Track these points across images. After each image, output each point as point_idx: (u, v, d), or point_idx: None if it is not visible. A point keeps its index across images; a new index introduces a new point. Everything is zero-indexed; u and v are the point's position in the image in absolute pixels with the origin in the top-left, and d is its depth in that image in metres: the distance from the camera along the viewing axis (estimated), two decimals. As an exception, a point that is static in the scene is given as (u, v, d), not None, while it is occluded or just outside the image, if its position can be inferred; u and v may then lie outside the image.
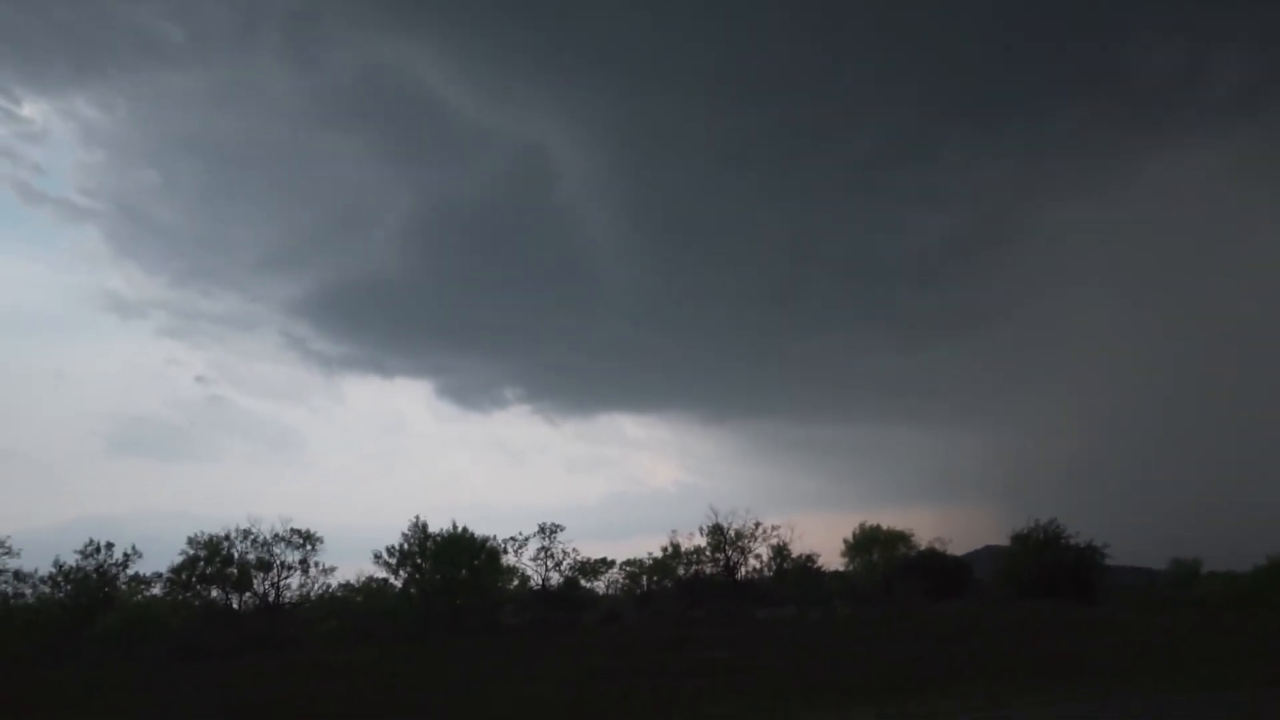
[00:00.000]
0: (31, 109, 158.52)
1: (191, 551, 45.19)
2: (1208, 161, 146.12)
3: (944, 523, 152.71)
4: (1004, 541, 59.37)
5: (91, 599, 44.53)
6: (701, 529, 53.55)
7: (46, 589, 44.54)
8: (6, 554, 43.56)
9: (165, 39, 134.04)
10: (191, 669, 33.99)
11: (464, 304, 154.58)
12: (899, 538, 57.42)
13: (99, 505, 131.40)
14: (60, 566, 44.71)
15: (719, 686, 24.37)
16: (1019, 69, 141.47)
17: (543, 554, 50.14)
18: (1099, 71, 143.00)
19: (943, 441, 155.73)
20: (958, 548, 59.99)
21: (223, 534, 45.95)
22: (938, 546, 57.43)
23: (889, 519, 59.34)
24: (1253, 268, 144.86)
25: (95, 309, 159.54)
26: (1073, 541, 54.63)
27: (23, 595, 44.18)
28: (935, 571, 54.44)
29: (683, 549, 53.79)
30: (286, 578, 46.79)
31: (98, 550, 45.56)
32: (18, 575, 44.06)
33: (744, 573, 53.66)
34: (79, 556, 45.15)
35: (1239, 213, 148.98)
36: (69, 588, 44.69)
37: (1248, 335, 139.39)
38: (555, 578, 50.30)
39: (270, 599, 46.58)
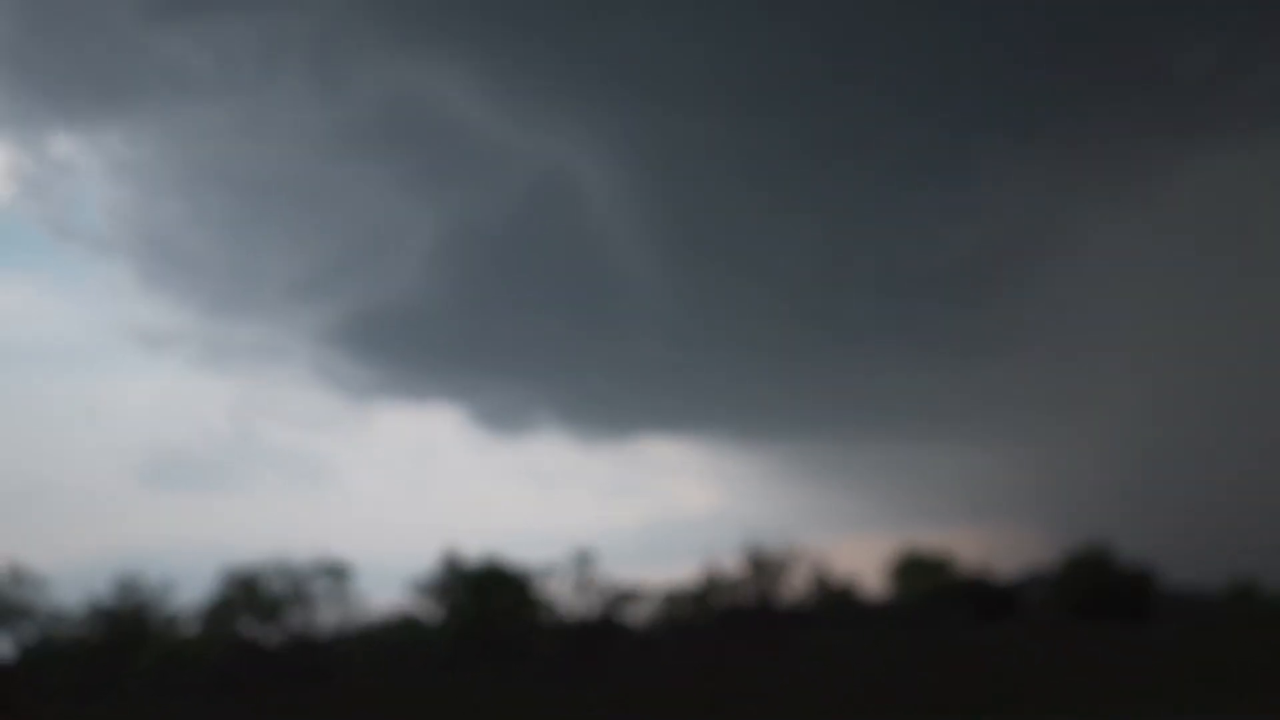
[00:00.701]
0: (61, 145, 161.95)
1: (225, 587, 45.09)
2: (1248, 165, 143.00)
3: (987, 542, 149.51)
4: (1051, 562, 57.83)
5: (126, 636, 44.49)
6: (736, 556, 52.64)
7: (83, 629, 44.58)
8: (42, 590, 43.74)
9: (193, 71, 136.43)
10: (226, 703, 33.81)
11: (493, 327, 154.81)
12: (940, 561, 56.03)
13: (132, 537, 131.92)
14: (95, 606, 44.73)
15: (757, 713, 23.71)
16: (1051, 78, 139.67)
17: (576, 582, 49.51)
18: (1133, 78, 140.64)
19: (985, 459, 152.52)
20: (1003, 569, 58.41)
21: (255, 568, 45.81)
22: (982, 569, 55.96)
23: (929, 539, 57.62)
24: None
25: (126, 341, 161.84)
26: (1124, 562, 53.04)
27: (59, 634, 44.23)
28: (980, 596, 52.99)
29: (718, 577, 52.87)
30: (320, 611, 46.51)
31: (132, 588, 45.54)
32: (54, 616, 44.15)
33: (781, 600, 52.60)
34: (114, 592, 45.16)
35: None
36: (104, 627, 44.69)
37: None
38: (589, 606, 49.65)
39: (304, 631, 46.35)
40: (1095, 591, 51.47)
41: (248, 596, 45.37)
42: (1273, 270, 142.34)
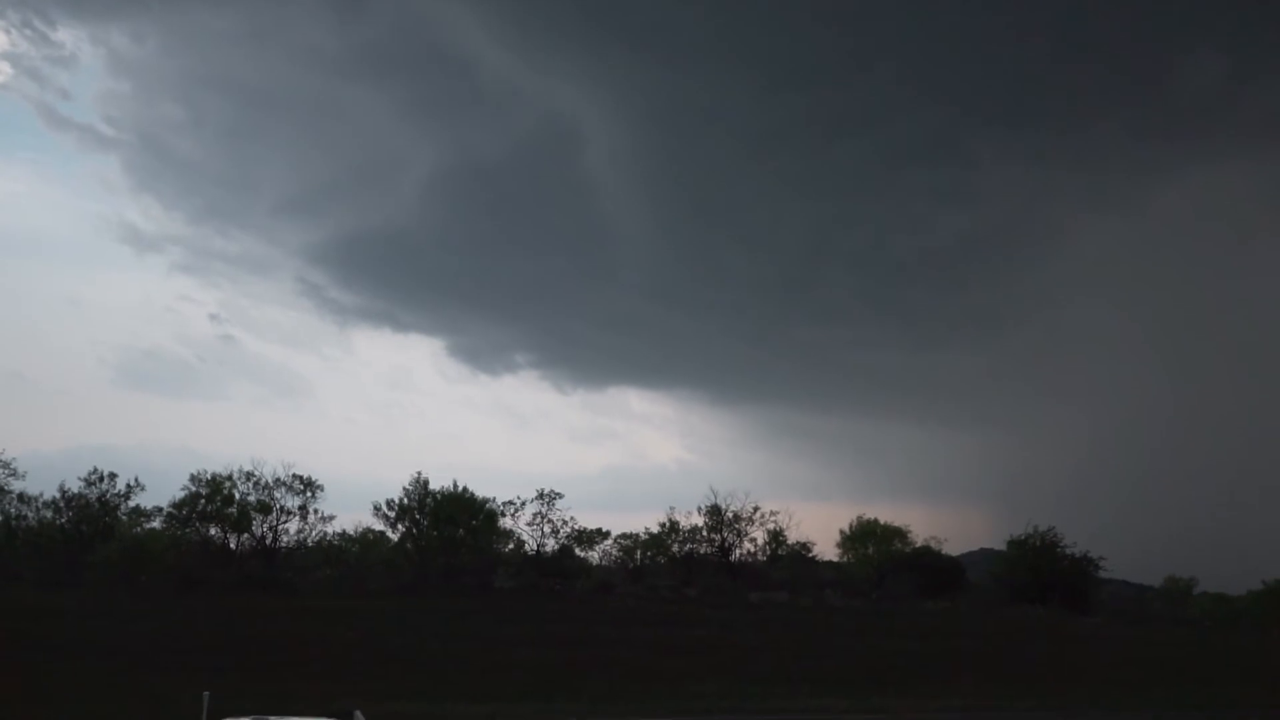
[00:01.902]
0: (64, 34, 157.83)
1: (193, 488, 45.54)
2: (1231, 182, 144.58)
3: (940, 521, 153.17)
4: (999, 545, 59.43)
5: (93, 527, 44.97)
6: (700, 508, 53.71)
7: (49, 514, 45.03)
8: (12, 475, 44.06)
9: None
10: (188, 602, 34.42)
11: (480, 265, 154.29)
12: (895, 533, 57.44)
13: (104, 434, 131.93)
14: (64, 492, 45.21)
15: (703, 665, 24.61)
16: (1054, 75, 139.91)
17: (540, 520, 50.35)
18: (1136, 83, 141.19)
19: (944, 442, 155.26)
20: (952, 548, 59.97)
21: (225, 473, 46.28)
22: (933, 545, 57.47)
23: (885, 514, 59.18)
24: (1266, 294, 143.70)
25: (111, 239, 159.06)
26: (1069, 551, 54.66)
27: (25, 518, 44.66)
28: (928, 570, 54.49)
29: (680, 526, 53.98)
30: (285, 522, 47.08)
31: (101, 479, 45.96)
32: (21, 498, 44.53)
33: (738, 555, 53.82)
34: (83, 484, 45.62)
35: (1258, 237, 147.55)
36: (71, 514, 45.13)
37: (1258, 360, 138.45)
38: (551, 544, 50.57)
39: (268, 541, 46.93)
40: (1038, 576, 53.05)
41: (214, 500, 45.81)
42: (1244, 285, 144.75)
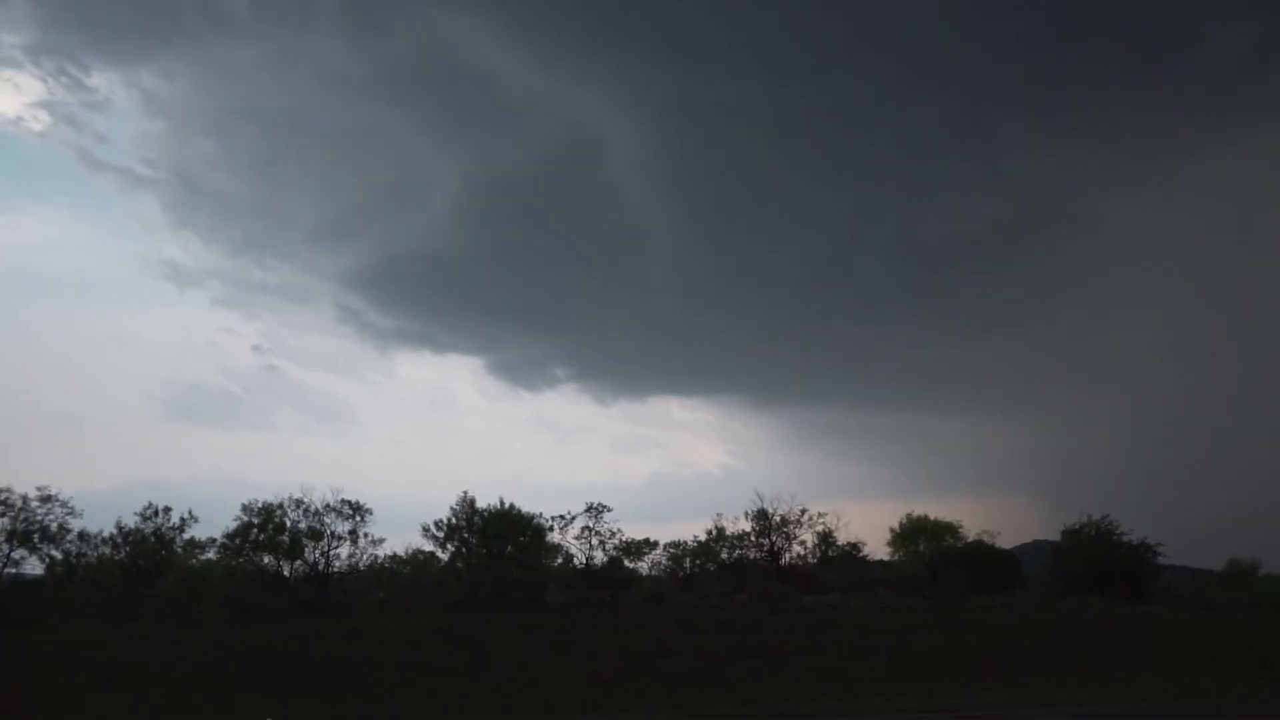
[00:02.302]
0: (96, 78, 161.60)
1: (245, 518, 46.25)
2: (1267, 152, 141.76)
3: (990, 514, 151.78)
4: (1053, 536, 58.66)
5: (150, 561, 45.80)
6: (746, 513, 53.56)
7: (108, 550, 45.90)
8: (70, 514, 44.96)
9: (229, 9, 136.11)
10: (245, 630, 34.86)
11: (514, 280, 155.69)
12: (946, 529, 56.91)
13: (155, 469, 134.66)
14: (121, 528, 46.12)
15: (759, 669, 24.50)
16: (1077, 52, 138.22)
17: (588, 533, 50.47)
18: (1161, 56, 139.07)
19: (989, 432, 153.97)
20: (1005, 541, 59.32)
21: (275, 502, 46.96)
22: (985, 539, 56.85)
23: (935, 509, 58.78)
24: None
25: (153, 277, 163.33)
26: (1125, 539, 53.80)
27: (85, 555, 45.56)
28: (982, 564, 53.86)
29: (727, 533, 53.86)
30: (336, 547, 47.70)
31: (156, 514, 46.88)
32: (81, 536, 45.46)
33: (788, 558, 53.57)
34: (138, 519, 46.54)
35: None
36: (129, 549, 46.01)
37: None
38: (599, 557, 50.67)
39: (320, 567, 47.50)
40: (1095, 566, 52.27)
41: (266, 529, 46.46)
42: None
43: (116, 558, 45.94)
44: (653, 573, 54.14)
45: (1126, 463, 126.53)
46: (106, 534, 46.11)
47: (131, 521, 46.59)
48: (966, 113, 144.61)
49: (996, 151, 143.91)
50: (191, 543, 47.98)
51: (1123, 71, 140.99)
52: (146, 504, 47.06)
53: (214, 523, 48.18)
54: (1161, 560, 54.91)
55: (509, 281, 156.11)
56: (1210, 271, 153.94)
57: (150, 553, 46.21)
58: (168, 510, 47.23)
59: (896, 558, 57.28)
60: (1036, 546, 67.69)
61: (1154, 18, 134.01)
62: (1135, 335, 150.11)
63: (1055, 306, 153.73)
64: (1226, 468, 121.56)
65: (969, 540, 56.57)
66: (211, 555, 47.43)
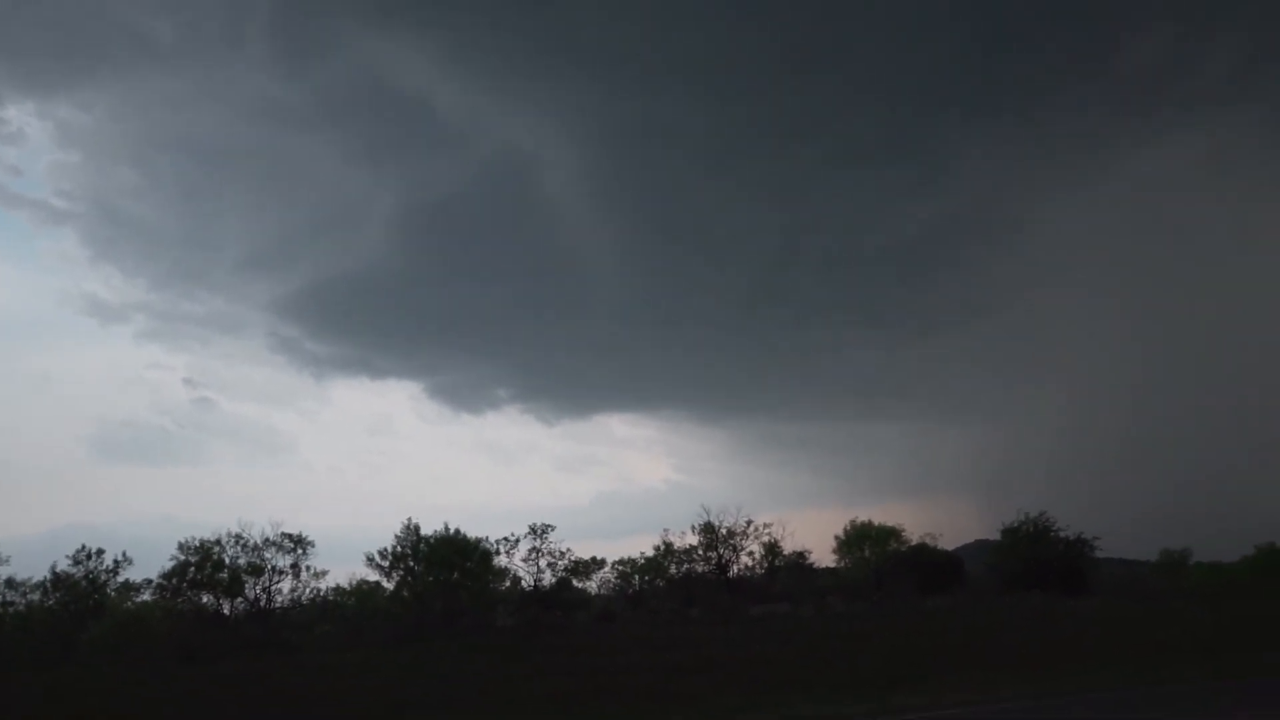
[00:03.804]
0: (12, 110, 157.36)
1: (182, 557, 45.07)
2: (1193, 153, 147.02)
3: (932, 517, 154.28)
4: (994, 535, 59.74)
5: (83, 606, 44.37)
6: (693, 527, 53.70)
7: (37, 597, 44.38)
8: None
9: (154, 38, 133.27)
10: (186, 672, 33.91)
11: (454, 303, 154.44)
12: (890, 534, 57.65)
13: (87, 511, 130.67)
14: (55, 573, 44.61)
15: (717, 681, 24.51)
16: (1006, 60, 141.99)
17: (534, 554, 50.14)
18: (1086, 61, 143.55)
19: (929, 436, 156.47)
20: (947, 542, 60.25)
21: (213, 539, 45.84)
22: (928, 542, 57.70)
23: (878, 514, 59.61)
24: (1240, 260, 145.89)
25: (74, 312, 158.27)
26: (1062, 534, 54.99)
27: (14, 604, 44.00)
28: (926, 567, 54.65)
29: (675, 548, 53.93)
30: (278, 582, 46.70)
31: (89, 557, 45.44)
32: (9, 583, 43.90)
33: (736, 570, 53.78)
34: (70, 563, 45.05)
35: (1225, 204, 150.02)
36: (60, 594, 44.53)
37: (1237, 327, 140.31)
38: (548, 578, 50.36)
39: (262, 603, 46.46)
40: (1034, 562, 53.30)
41: (204, 568, 45.34)
42: (1218, 253, 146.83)
43: (47, 604, 44.43)
44: (602, 591, 54.01)
45: (1060, 459, 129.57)
46: (37, 580, 44.57)
47: (63, 565, 45.12)
48: (900, 122, 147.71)
49: (931, 157, 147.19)
50: (126, 585, 46.60)
51: (1050, 76, 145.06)
52: (79, 547, 45.62)
53: (150, 563, 46.72)
54: (1098, 553, 56.21)
55: (447, 304, 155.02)
56: (1136, 271, 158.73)
57: (83, 597, 44.76)
58: (100, 553, 45.84)
59: (842, 564, 57.86)
60: (979, 546, 68.84)
61: (1078, 24, 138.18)
62: (1066, 336, 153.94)
63: (990, 309, 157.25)
64: (1155, 460, 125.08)
65: (913, 544, 57.37)
66: (147, 597, 46.13)
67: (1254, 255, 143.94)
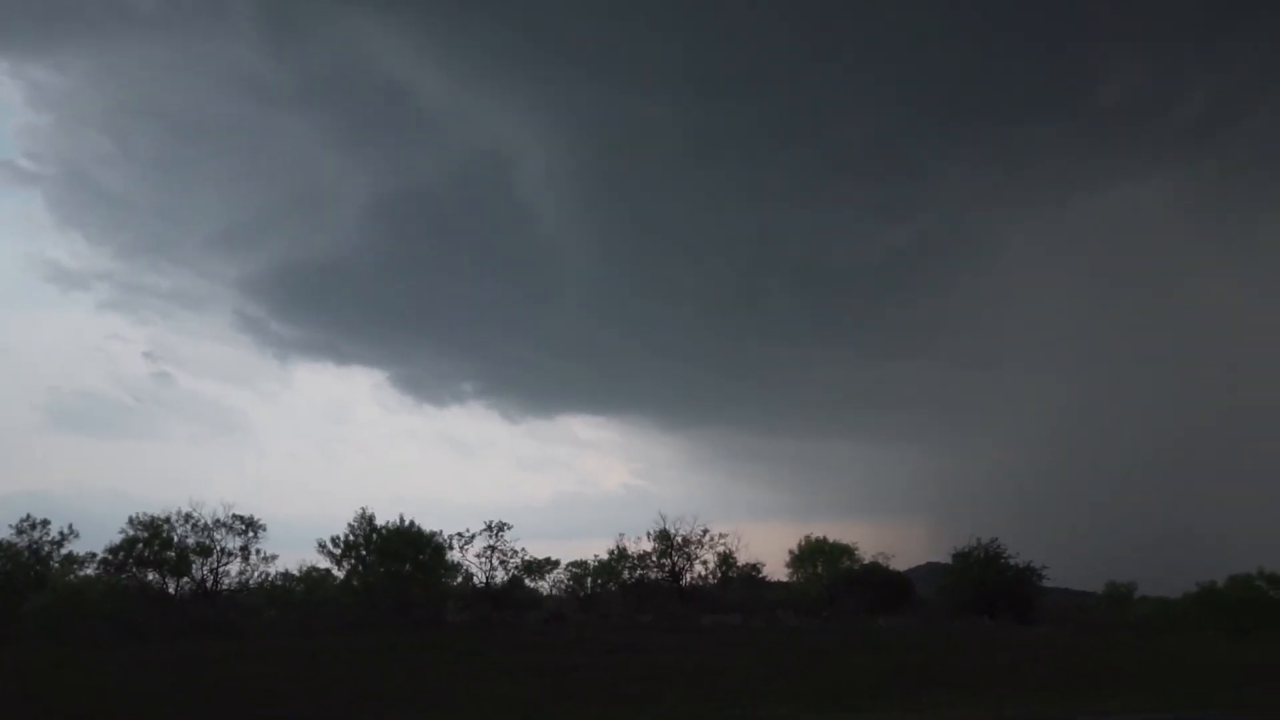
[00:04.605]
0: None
1: (131, 532, 44.29)
2: (1162, 188, 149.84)
3: (885, 537, 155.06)
4: (945, 559, 60.28)
5: (24, 577, 43.46)
6: (649, 533, 53.67)
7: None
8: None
9: (135, 4, 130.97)
10: (128, 651, 33.34)
11: (425, 293, 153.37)
12: (843, 551, 57.97)
13: (35, 480, 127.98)
14: (-7, 544, 43.65)
15: (661, 690, 24.49)
16: (989, 85, 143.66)
17: (489, 551, 49.87)
18: (1066, 93, 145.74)
19: (886, 456, 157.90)
20: (899, 563, 60.71)
21: (163, 516, 45.11)
22: (880, 561, 58.09)
23: (833, 531, 59.68)
24: (1195, 297, 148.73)
25: (35, 278, 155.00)
26: (1012, 561, 55.61)
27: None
28: (878, 586, 55.03)
29: (629, 553, 53.85)
30: (226, 564, 46.04)
31: (33, 527, 44.48)
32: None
33: (689, 579, 53.81)
34: (13, 532, 44.11)
35: (1191, 241, 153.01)
36: (1, 563, 43.57)
37: (1191, 364, 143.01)
38: (500, 576, 50.10)
39: (209, 585, 45.80)
40: (984, 587, 53.88)
41: (152, 545, 44.63)
42: (1178, 290, 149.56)
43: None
44: (554, 592, 53.79)
45: (1012, 487, 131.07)
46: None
47: (5, 534, 44.14)
48: (881, 139, 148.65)
49: (907, 178, 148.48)
50: (70, 558, 45.66)
51: (1030, 107, 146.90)
52: (24, 516, 44.65)
53: (98, 537, 45.79)
54: (1046, 583, 56.92)
55: (418, 294, 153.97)
56: (1093, 304, 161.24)
57: (24, 568, 43.82)
58: (46, 523, 44.84)
59: (795, 579, 58.07)
60: (929, 569, 69.43)
61: (1060, 58, 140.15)
62: (1024, 364, 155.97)
63: (950, 334, 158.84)
64: (1104, 493, 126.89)
65: (865, 562, 57.71)
66: (92, 571, 45.26)
67: (1209, 293, 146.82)
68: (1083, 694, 23.47)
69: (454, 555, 49.30)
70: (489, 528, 49.99)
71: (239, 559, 46.16)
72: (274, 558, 47.00)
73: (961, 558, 56.74)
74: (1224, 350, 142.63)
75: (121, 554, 44.25)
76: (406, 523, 48.02)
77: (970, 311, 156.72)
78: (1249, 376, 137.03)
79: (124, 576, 44.33)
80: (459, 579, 50.48)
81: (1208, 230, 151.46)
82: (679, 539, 53.62)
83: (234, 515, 46.26)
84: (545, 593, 53.16)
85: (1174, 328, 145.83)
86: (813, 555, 57.86)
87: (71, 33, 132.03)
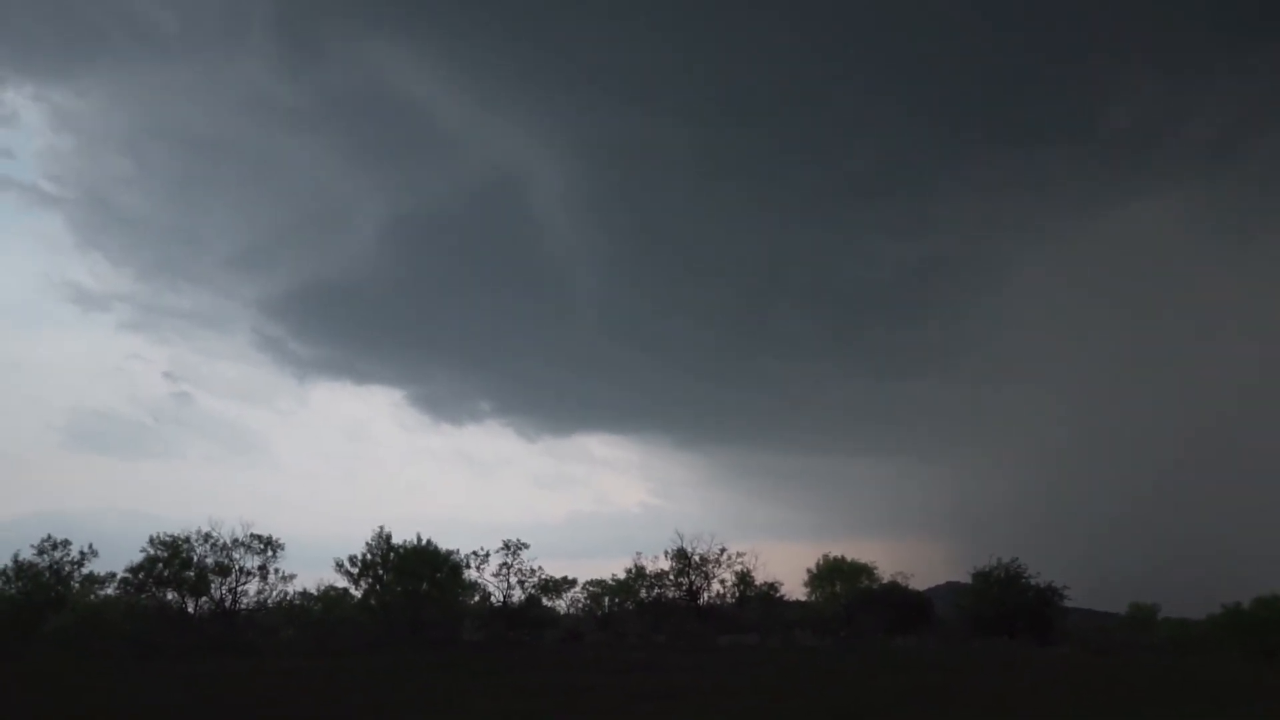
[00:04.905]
0: (11, 93, 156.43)
1: (151, 551, 44.61)
2: (1172, 211, 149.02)
3: (904, 556, 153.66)
4: (965, 578, 59.76)
5: (44, 597, 43.77)
6: (666, 552, 53.57)
7: (0, 583, 43.76)
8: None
9: (158, 28, 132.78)
10: (147, 670, 33.50)
11: (443, 312, 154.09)
12: (861, 570, 57.66)
13: (55, 500, 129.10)
14: (17, 561, 43.98)
15: (677, 710, 24.39)
16: (1001, 106, 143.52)
17: (505, 570, 49.89)
18: (1076, 116, 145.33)
19: (904, 475, 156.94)
20: (918, 583, 60.27)
21: (183, 536, 45.40)
22: (899, 580, 57.73)
23: (850, 550, 59.36)
24: (1222, 314, 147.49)
25: (56, 299, 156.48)
26: (1033, 581, 55.08)
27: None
28: (897, 605, 54.63)
29: (646, 571, 53.74)
30: (245, 583, 46.29)
31: (54, 547, 44.85)
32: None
33: (707, 598, 53.64)
34: (34, 553, 44.45)
35: (1201, 262, 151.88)
36: (22, 583, 43.91)
37: (1218, 383, 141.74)
38: (517, 594, 50.07)
39: (227, 604, 46.02)
40: (1004, 608, 53.36)
41: (172, 565, 44.90)
42: (1194, 309, 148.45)
43: (8, 593, 43.80)
44: (571, 611, 53.71)
45: (1033, 507, 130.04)
46: (0, 567, 43.92)
47: (27, 554, 44.49)
48: (895, 161, 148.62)
49: (921, 199, 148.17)
50: (90, 578, 46.01)
51: (1043, 131, 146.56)
52: (45, 536, 45.01)
53: (117, 557, 46.15)
54: (1067, 603, 56.31)
55: (435, 313, 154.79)
56: (1115, 322, 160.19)
57: (45, 588, 44.15)
58: (66, 543, 45.24)
59: (813, 598, 57.75)
60: (949, 588, 68.85)
61: (1071, 80, 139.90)
62: (1043, 381, 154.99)
63: (965, 353, 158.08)
64: (1127, 514, 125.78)
65: (884, 581, 57.34)
66: (111, 591, 45.57)
67: (1229, 306, 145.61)
68: (1101, 715, 23.22)
69: (471, 574, 49.41)
70: (506, 546, 50.07)
71: (257, 578, 46.45)
72: (292, 577, 47.28)
73: (982, 577, 56.25)
74: (1252, 363, 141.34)
75: (141, 573, 44.57)
76: (423, 541, 48.19)
77: (986, 331, 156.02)
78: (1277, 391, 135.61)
79: (143, 596, 44.58)
80: (476, 598, 50.51)
81: (1224, 246, 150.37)
82: (696, 558, 53.53)
83: (252, 534, 46.60)
84: (562, 612, 53.10)
85: (1201, 340, 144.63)
86: (831, 574, 57.56)
87: (93, 56, 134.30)
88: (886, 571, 57.83)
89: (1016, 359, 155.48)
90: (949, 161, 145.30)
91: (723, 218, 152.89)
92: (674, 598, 53.51)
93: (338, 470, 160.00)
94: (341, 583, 48.42)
